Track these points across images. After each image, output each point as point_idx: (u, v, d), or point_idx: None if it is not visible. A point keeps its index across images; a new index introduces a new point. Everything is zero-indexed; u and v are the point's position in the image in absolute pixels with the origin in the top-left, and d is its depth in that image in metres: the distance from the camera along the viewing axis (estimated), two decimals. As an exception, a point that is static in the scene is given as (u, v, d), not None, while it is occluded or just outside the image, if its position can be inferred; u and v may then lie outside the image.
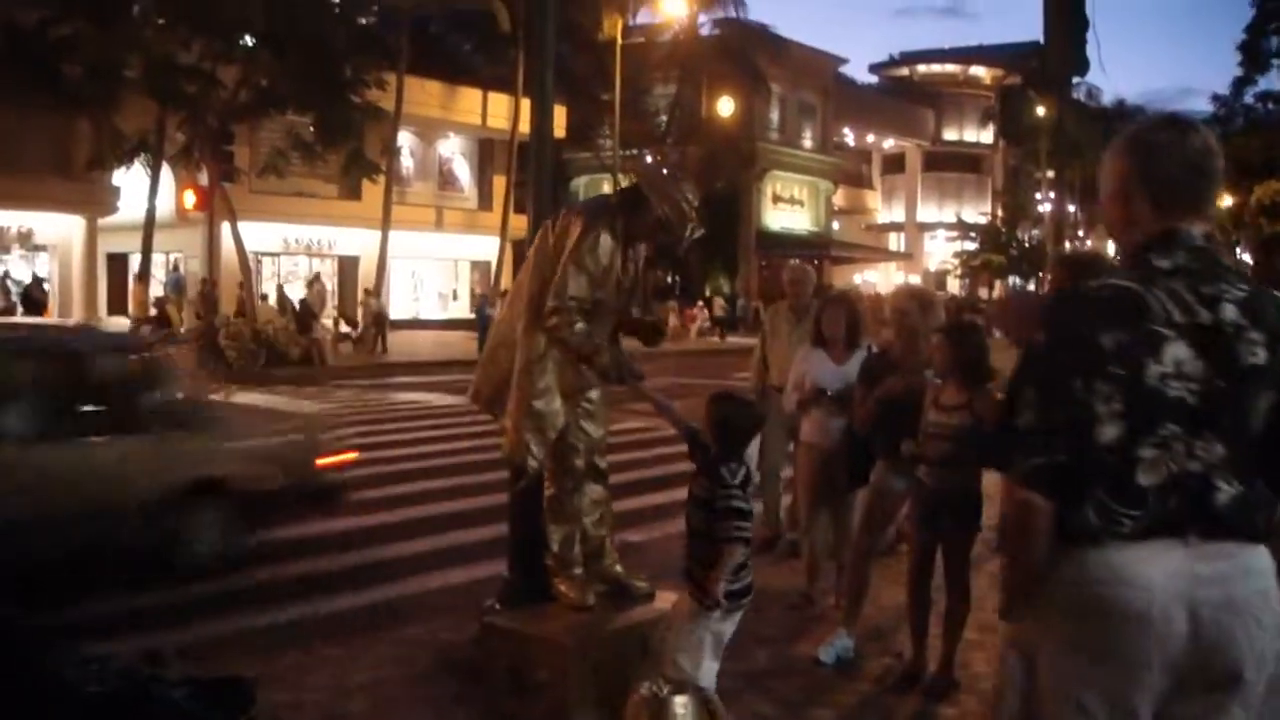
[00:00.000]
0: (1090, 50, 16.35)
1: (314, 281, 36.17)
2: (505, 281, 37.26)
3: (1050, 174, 43.11)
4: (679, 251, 6.00)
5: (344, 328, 35.51)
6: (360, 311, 37.30)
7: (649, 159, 45.95)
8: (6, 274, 32.93)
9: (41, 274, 35.05)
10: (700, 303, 50.11)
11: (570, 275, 5.46)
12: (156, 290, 34.75)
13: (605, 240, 5.50)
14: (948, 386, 5.83)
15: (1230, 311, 2.68)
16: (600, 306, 5.54)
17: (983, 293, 68.18)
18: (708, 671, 4.91)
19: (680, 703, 4.84)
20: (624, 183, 5.46)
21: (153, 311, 29.83)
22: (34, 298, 31.37)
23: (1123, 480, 2.66)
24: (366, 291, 37.30)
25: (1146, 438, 2.65)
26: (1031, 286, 56.46)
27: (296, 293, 36.05)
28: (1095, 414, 2.64)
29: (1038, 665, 2.81)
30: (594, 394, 5.79)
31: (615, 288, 5.61)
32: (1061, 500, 2.69)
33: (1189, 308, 2.68)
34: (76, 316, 32.16)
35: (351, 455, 9.70)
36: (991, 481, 5.82)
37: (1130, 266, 2.82)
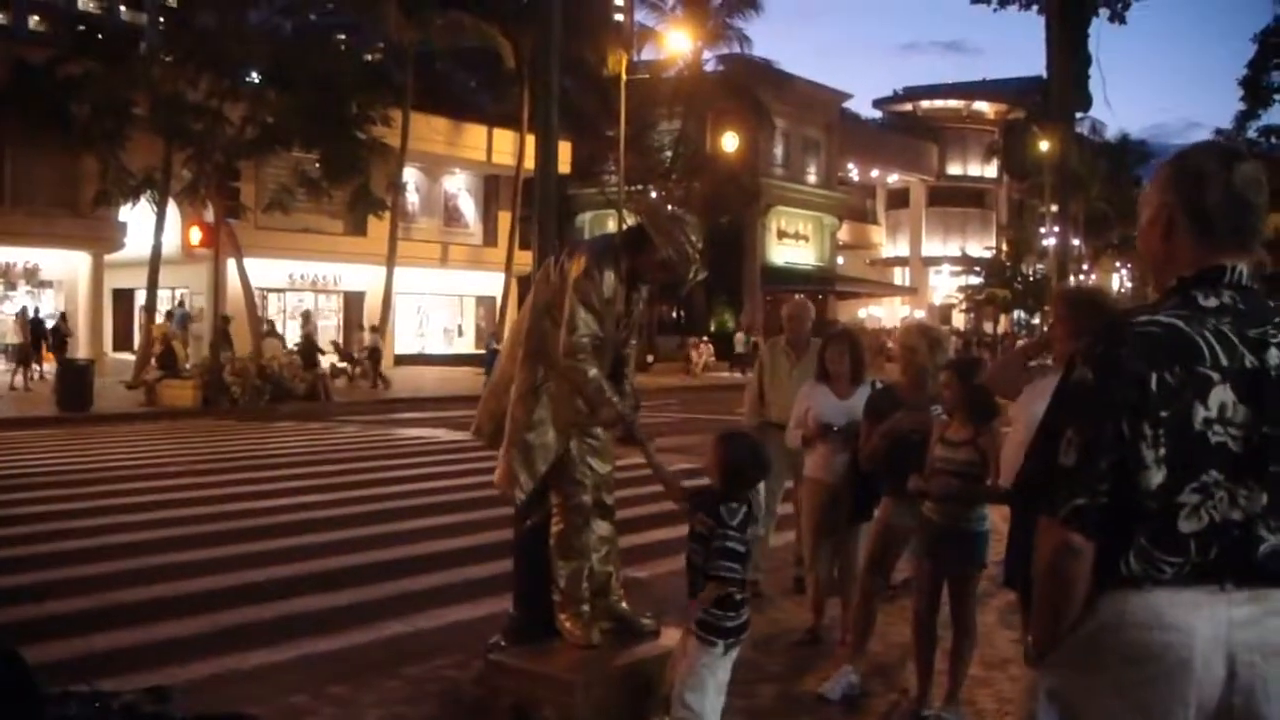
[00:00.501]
0: (1094, 85, 16.44)
1: (305, 319, 36.03)
2: (510, 317, 37.31)
3: (1054, 208, 43.09)
4: (681, 293, 6.01)
5: (339, 363, 35.43)
6: (356, 346, 37.28)
7: (654, 194, 46.05)
8: (32, 310, 32.96)
9: (46, 310, 35.11)
10: (705, 338, 50.13)
11: (579, 314, 5.48)
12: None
13: (609, 278, 5.52)
14: (954, 422, 5.83)
15: (1276, 356, 2.58)
16: (600, 343, 5.56)
17: (987, 327, 68.20)
18: (713, 709, 4.90)
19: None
20: (629, 219, 5.46)
21: (158, 348, 29.79)
22: (61, 334, 31.55)
23: (1165, 526, 2.56)
24: (373, 328, 37.35)
25: (1189, 484, 2.55)
26: (1036, 320, 56.33)
27: (291, 331, 36.15)
28: (1141, 458, 2.54)
29: (1072, 710, 2.70)
30: (600, 430, 5.79)
31: (614, 324, 5.62)
32: (1104, 544, 2.59)
33: (1235, 350, 2.57)
34: (83, 352, 32.23)
35: None
36: (1000, 516, 5.82)
37: (1175, 304, 2.68)
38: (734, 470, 4.96)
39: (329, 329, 40.85)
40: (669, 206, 22.30)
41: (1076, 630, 2.67)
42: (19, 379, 29.19)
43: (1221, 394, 2.55)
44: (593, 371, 5.44)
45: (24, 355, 29.98)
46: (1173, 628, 2.56)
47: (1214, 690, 2.57)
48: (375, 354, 34.94)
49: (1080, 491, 2.59)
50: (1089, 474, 2.59)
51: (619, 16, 46.27)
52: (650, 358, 43.04)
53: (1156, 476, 2.55)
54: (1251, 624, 2.57)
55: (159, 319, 31.78)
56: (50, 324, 32.30)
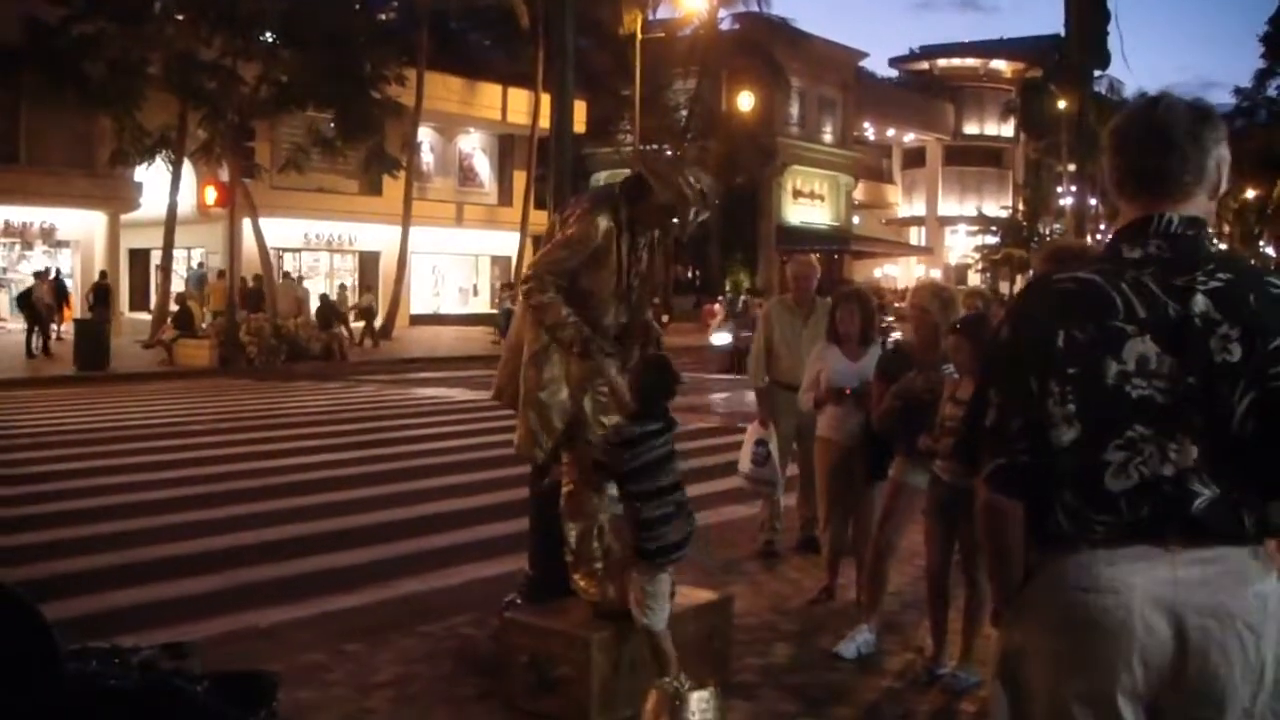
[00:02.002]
0: (1112, 43, 16.30)
1: (287, 278, 35.66)
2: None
3: (1071, 168, 42.81)
4: (683, 235, 5.98)
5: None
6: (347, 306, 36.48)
7: (669, 153, 45.87)
8: (54, 270, 32.72)
9: (65, 269, 35.14)
10: (721, 298, 50.03)
11: (553, 249, 5.54)
12: (178, 285, 34.87)
13: (602, 223, 5.49)
14: (964, 380, 5.81)
15: (1201, 303, 2.49)
16: (593, 296, 5.56)
17: (1004, 287, 68.01)
18: (661, 615, 5.15)
19: (698, 698, 4.85)
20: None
21: (174, 307, 29.87)
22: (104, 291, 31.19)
23: (1090, 484, 2.52)
24: (368, 287, 37.11)
25: (1111, 440, 2.50)
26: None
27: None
28: (1050, 415, 2.51)
29: (1018, 672, 2.67)
30: (607, 386, 5.72)
31: (615, 275, 5.59)
32: (1031, 503, 2.58)
33: (1155, 301, 2.51)
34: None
35: None
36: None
37: (1101, 258, 2.68)
38: (644, 392, 5.23)
39: (317, 287, 39.77)
40: (668, 156, 22.16)
41: (1023, 591, 2.66)
42: (37, 342, 28.22)
43: (1140, 346, 2.50)
44: (548, 295, 5.46)
45: (43, 318, 29.11)
46: (1108, 589, 2.51)
47: (1162, 653, 2.50)
48: (369, 313, 34.68)
49: (1000, 451, 2.59)
50: (1005, 433, 2.58)
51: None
52: (665, 318, 43.00)
53: (1068, 433, 2.52)
54: (1200, 585, 2.50)
55: (175, 281, 31.86)
56: (72, 284, 32.07)
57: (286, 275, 35.77)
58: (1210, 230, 2.65)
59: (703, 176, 5.76)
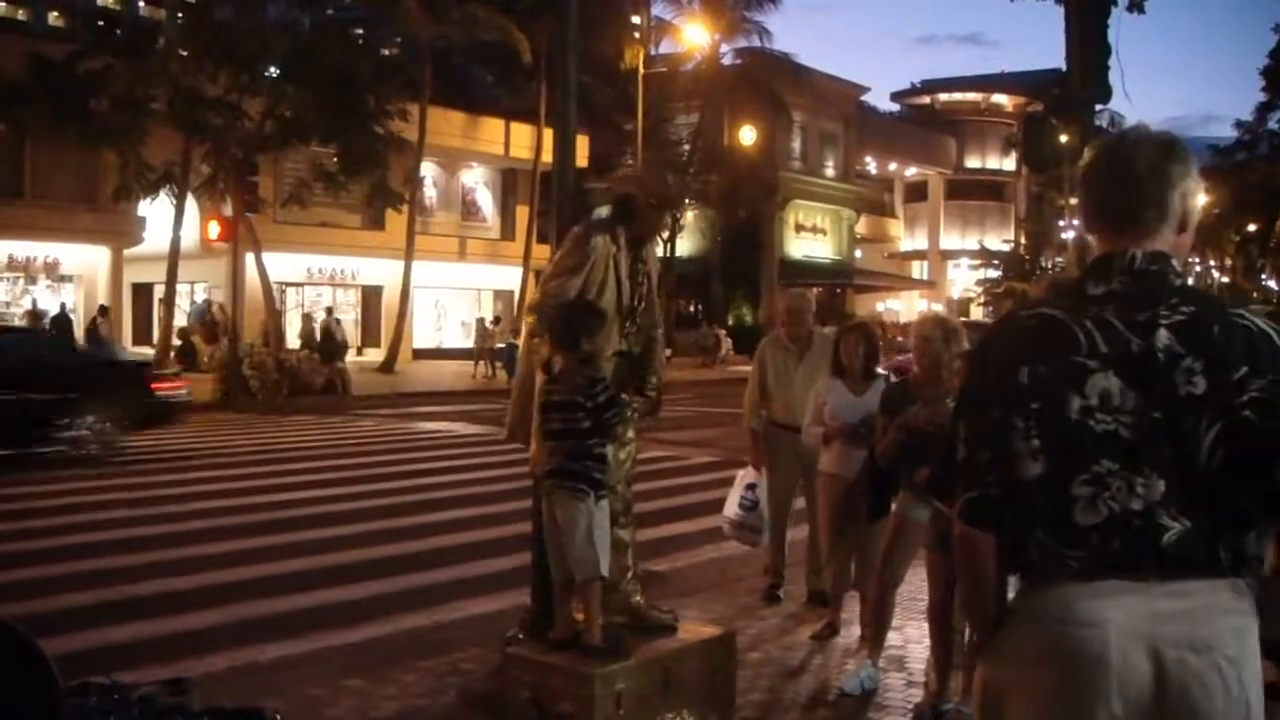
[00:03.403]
0: (1113, 77, 16.33)
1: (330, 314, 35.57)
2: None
3: (1073, 201, 42.94)
4: (677, 209, 6.05)
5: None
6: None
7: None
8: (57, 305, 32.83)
9: (68, 304, 35.22)
10: (723, 331, 50.10)
11: (550, 278, 5.53)
12: (181, 320, 34.92)
13: (597, 242, 5.50)
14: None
15: (1164, 338, 2.50)
16: (566, 299, 5.54)
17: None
18: (603, 552, 5.17)
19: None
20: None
21: (177, 341, 29.91)
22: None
23: (1059, 519, 2.53)
24: (328, 310, 36.57)
25: (1078, 475, 2.52)
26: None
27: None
28: (1014, 450, 2.55)
29: (1005, 706, 2.65)
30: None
31: (616, 299, 5.58)
32: (1004, 536, 2.60)
33: (1118, 336, 2.53)
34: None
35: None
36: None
37: (1065, 295, 2.69)
38: (555, 336, 5.30)
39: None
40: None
41: (1002, 624, 2.67)
42: None
43: (1102, 381, 2.51)
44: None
45: None
46: (1085, 623, 2.51)
47: (1140, 686, 2.49)
48: (330, 345, 30.99)
49: (971, 484, 2.62)
50: (974, 466, 2.62)
51: (636, 20, 46.09)
52: (669, 351, 43.04)
53: (1034, 468, 2.54)
54: (1178, 618, 2.49)
55: (178, 316, 31.88)
56: (75, 318, 31.99)
57: (329, 311, 35.66)
58: (1178, 264, 2.64)
59: (663, 172, 5.86)
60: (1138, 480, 2.49)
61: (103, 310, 32.89)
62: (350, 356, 31.62)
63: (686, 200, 49.07)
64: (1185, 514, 2.49)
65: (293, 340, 33.18)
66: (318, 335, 31.76)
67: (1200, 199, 2.71)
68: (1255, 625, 2.55)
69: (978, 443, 2.62)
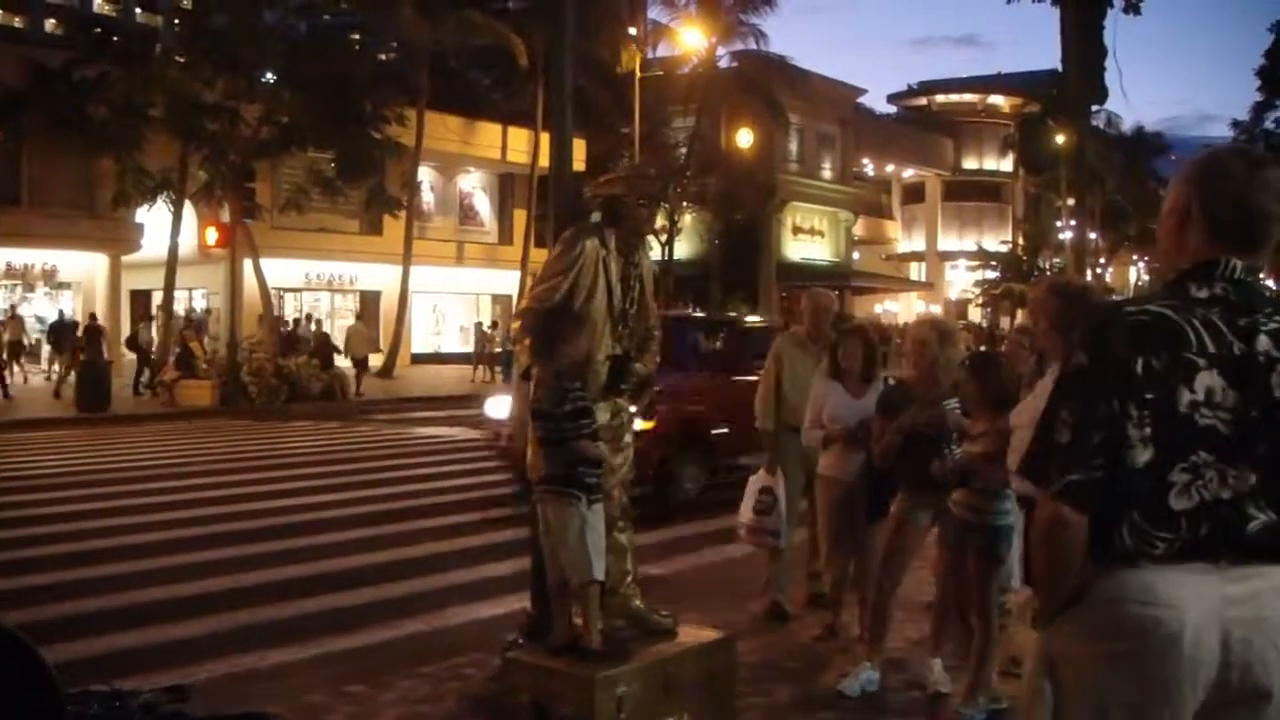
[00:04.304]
0: (1109, 78, 16.37)
1: (359, 320, 35.45)
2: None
3: (1071, 202, 42.96)
4: (664, 195, 6.01)
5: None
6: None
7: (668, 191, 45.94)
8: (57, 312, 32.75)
9: (66, 311, 35.20)
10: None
11: (539, 282, 5.52)
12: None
13: (584, 245, 5.47)
14: (977, 418, 5.83)
15: (1264, 343, 2.69)
16: (586, 320, 5.52)
17: (1004, 321, 68.04)
18: (598, 554, 5.13)
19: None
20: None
21: (176, 348, 29.86)
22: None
23: (1156, 503, 2.68)
24: (189, 316, 35.19)
25: (1178, 463, 2.67)
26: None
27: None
28: (1127, 436, 2.68)
29: (1064, 677, 2.83)
30: (609, 417, 5.61)
31: (607, 302, 5.54)
32: (1097, 518, 2.72)
33: (1223, 338, 2.69)
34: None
35: None
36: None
37: (1168, 294, 2.83)
38: (535, 341, 5.25)
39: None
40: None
41: (1077, 602, 2.78)
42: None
43: (1208, 379, 2.67)
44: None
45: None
46: (1164, 604, 2.66)
47: (1210, 666, 2.66)
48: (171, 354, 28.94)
49: (1073, 467, 2.72)
50: (1081, 450, 2.72)
51: (632, 28, 46.06)
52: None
53: (1144, 455, 2.68)
54: (1245, 601, 2.67)
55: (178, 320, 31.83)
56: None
57: (359, 318, 35.68)
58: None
59: (648, 168, 5.83)
60: (1230, 472, 2.67)
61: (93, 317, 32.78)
62: (340, 361, 31.49)
63: (684, 203, 49.06)
64: (1272, 506, 2.67)
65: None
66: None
67: None
68: None
69: (1087, 427, 2.72)
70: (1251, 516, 2.67)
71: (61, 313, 33.30)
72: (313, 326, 35.12)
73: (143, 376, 29.24)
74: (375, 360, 36.17)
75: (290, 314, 39.09)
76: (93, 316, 32.29)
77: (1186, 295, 2.77)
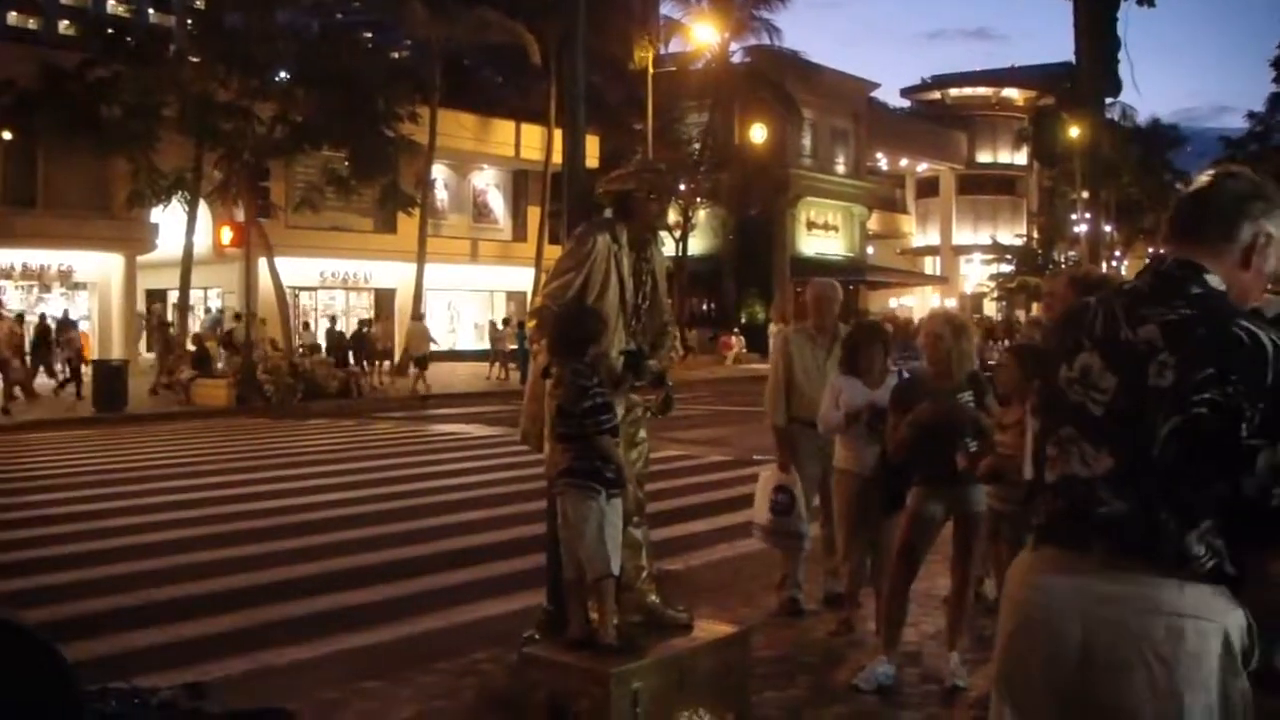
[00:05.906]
0: (1123, 70, 16.30)
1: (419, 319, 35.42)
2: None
3: (1085, 195, 42.82)
4: (675, 190, 5.99)
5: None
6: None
7: (681, 187, 45.93)
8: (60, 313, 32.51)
9: (82, 311, 35.28)
10: (736, 330, 50.08)
11: (552, 279, 5.52)
12: (194, 326, 35.00)
13: (595, 241, 5.48)
14: (1011, 406, 5.91)
15: (1149, 332, 2.68)
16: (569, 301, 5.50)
17: (1020, 314, 67.82)
18: (615, 550, 5.15)
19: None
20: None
21: (191, 347, 29.96)
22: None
23: (1040, 475, 2.85)
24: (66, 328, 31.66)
25: (1049, 436, 2.82)
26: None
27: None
28: (1034, 408, 2.97)
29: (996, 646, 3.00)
30: (624, 413, 5.60)
31: (620, 297, 5.55)
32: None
33: (1115, 324, 2.75)
34: (117, 353, 32.40)
35: None
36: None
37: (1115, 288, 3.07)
38: (557, 341, 5.22)
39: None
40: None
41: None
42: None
43: (1086, 359, 2.76)
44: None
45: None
46: (1034, 586, 2.78)
47: (1069, 660, 2.68)
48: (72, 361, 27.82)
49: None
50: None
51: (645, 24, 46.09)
52: (682, 351, 43.00)
53: (1036, 425, 2.91)
54: (1115, 601, 2.63)
55: (193, 320, 31.94)
56: (88, 325, 31.69)
57: (420, 317, 35.64)
58: (1215, 281, 2.74)
59: (657, 162, 5.83)
60: (1090, 452, 2.72)
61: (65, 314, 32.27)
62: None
63: (698, 199, 49.03)
64: (1123, 496, 2.65)
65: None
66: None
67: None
68: (1207, 633, 2.58)
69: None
70: (1101, 500, 2.67)
71: (65, 312, 33.02)
72: (355, 327, 35.00)
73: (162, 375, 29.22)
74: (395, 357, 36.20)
75: (306, 313, 39.22)
76: (65, 313, 31.97)
77: (1121, 287, 2.93)
